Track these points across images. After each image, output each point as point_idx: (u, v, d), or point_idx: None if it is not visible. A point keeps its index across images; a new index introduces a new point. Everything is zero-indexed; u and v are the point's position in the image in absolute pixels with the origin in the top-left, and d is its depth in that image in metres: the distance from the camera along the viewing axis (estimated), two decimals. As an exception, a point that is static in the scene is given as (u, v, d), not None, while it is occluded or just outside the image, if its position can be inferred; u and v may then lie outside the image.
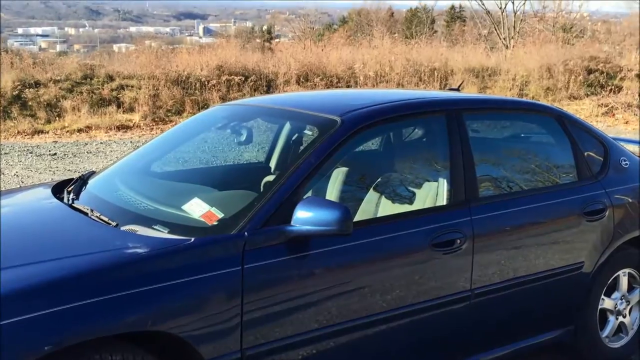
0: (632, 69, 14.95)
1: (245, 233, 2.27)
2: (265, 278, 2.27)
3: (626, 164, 3.38)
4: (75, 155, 8.75)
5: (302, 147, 3.10)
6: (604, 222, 3.15)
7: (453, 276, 2.72)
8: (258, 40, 30.35)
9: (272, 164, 3.46)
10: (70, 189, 2.89)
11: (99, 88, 12.01)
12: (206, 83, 12.53)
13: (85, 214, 2.56)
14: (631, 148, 3.82)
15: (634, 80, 14.52)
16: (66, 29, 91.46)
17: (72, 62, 13.00)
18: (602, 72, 14.77)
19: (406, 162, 3.26)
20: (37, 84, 11.65)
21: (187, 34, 76.99)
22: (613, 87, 14.30)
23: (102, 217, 2.49)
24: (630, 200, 3.30)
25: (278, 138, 3.50)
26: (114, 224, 2.43)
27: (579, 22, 25.44)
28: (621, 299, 3.32)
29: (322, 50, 15.90)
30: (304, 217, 2.28)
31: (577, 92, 14.13)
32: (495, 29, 24.97)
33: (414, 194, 2.91)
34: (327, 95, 4.11)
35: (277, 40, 30.83)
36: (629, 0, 23.89)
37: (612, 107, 13.24)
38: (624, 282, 3.33)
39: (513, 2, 24.87)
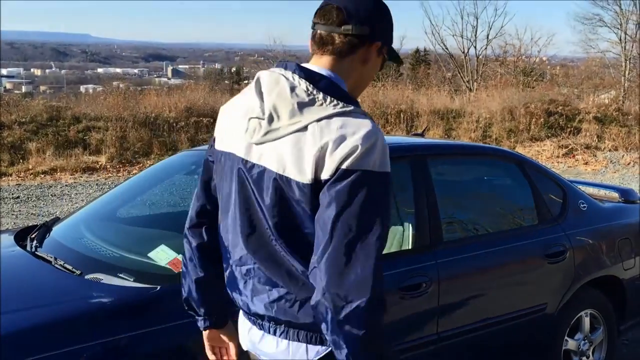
0: (590, 112, 15.50)
1: (212, 280, 2.26)
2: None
3: (584, 207, 3.48)
4: (39, 199, 8.60)
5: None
6: (565, 263, 3.23)
7: (420, 320, 2.74)
8: (227, 82, 30.62)
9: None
10: (33, 236, 2.85)
11: (65, 130, 11.90)
12: (174, 125, 12.53)
13: (49, 262, 2.53)
14: (597, 193, 3.95)
15: (592, 123, 15.04)
16: (32, 69, 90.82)
17: (37, 103, 12.88)
18: (561, 115, 15.26)
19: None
20: (1, 126, 11.48)
21: (155, 75, 77.24)
22: (572, 129, 14.78)
23: (65, 265, 2.46)
24: (590, 242, 3.39)
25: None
26: (78, 272, 2.40)
27: (538, 66, 26.37)
28: (584, 340, 3.38)
29: (291, 92, 16.08)
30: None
31: (538, 134, 14.54)
32: (459, 72, 25.71)
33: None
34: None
35: (246, 82, 31.13)
36: (585, 45, 24.88)
37: (572, 148, 13.65)
38: (586, 322, 3.39)
39: (475, 47, 25.74)
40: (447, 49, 26.45)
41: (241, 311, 1.66)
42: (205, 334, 1.79)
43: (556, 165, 12.37)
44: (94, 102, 14.35)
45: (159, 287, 2.22)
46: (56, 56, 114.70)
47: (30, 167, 10.61)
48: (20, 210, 7.84)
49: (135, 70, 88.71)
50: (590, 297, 3.40)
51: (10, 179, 10.19)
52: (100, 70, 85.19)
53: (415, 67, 35.28)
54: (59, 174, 10.49)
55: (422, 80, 25.05)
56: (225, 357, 1.80)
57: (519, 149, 13.00)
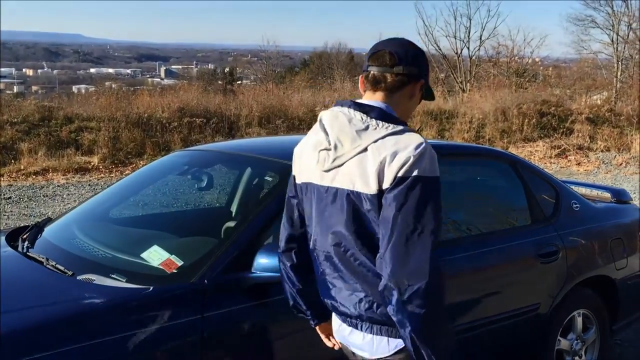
0: (582, 112, 15.56)
1: (205, 281, 2.26)
2: (225, 326, 2.26)
3: (577, 207, 3.50)
4: (31, 199, 8.55)
5: (262, 193, 3.12)
6: (558, 263, 3.23)
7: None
8: (220, 83, 30.54)
9: (233, 208, 3.46)
10: (25, 236, 2.83)
11: (57, 130, 11.83)
12: (167, 125, 12.48)
13: (41, 263, 2.51)
14: (590, 193, 3.96)
15: (584, 123, 15.10)
16: (24, 70, 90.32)
17: (29, 103, 12.80)
18: (554, 115, 15.31)
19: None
20: (-7, 126, 11.42)
21: (148, 76, 76.99)
22: (565, 130, 14.84)
23: (57, 266, 2.44)
24: (582, 242, 3.41)
25: (239, 182, 3.51)
26: (69, 273, 2.38)
27: (531, 67, 26.45)
28: (577, 340, 3.39)
29: (284, 92, 16.09)
30: (264, 263, 2.29)
31: (531, 135, 14.58)
32: (452, 73, 25.75)
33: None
34: (287, 141, 4.15)
35: (239, 82, 31.09)
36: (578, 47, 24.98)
37: (565, 149, 13.71)
38: (579, 322, 3.40)
39: (468, 48, 25.79)
40: (440, 49, 26.48)
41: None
42: (317, 329, 2.11)
43: (549, 166, 12.41)
44: (86, 102, 14.28)
45: (151, 288, 2.21)
46: (48, 56, 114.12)
47: (22, 167, 10.55)
48: (12, 211, 7.80)
49: (128, 71, 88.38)
50: (582, 297, 3.41)
51: (2, 179, 10.12)
52: (92, 70, 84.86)
53: (408, 67, 35.22)
54: (51, 174, 10.43)
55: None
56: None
57: (512, 150, 13.04)
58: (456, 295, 2.86)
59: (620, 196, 3.95)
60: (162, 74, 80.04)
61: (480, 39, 25.83)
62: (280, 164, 2.83)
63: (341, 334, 1.93)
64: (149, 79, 61.85)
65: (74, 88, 40.55)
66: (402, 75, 1.80)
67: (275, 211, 2.52)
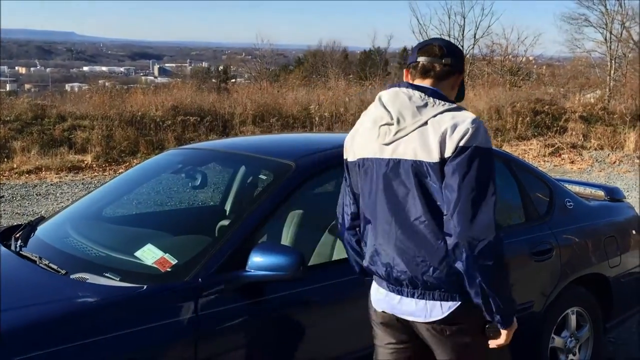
0: (576, 111, 15.61)
1: (200, 279, 2.25)
2: (220, 324, 2.25)
3: (571, 205, 3.50)
4: (24, 198, 8.51)
5: (256, 191, 3.11)
6: (552, 261, 3.24)
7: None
8: (214, 81, 30.48)
9: (227, 207, 3.45)
10: (18, 235, 2.81)
11: (50, 128, 11.78)
12: (161, 123, 12.45)
13: (34, 261, 2.49)
14: (584, 191, 3.97)
15: (577, 122, 15.15)
16: (17, 68, 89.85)
17: (22, 102, 12.74)
18: (547, 114, 15.35)
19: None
20: (-15, 125, 11.35)
21: (142, 74, 76.76)
22: (558, 128, 14.88)
23: (50, 265, 2.43)
24: (576, 240, 3.41)
25: (233, 181, 3.50)
26: (63, 272, 2.37)
27: (525, 65, 26.50)
28: (570, 337, 3.40)
29: (278, 91, 16.07)
30: (258, 262, 2.28)
31: (525, 133, 14.61)
32: (446, 72, 25.71)
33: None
34: (281, 140, 4.16)
35: (233, 80, 31.02)
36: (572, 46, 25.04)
37: (558, 147, 13.75)
38: (572, 320, 3.41)
39: (462, 46, 25.81)
40: (434, 48, 26.44)
41: (375, 281, 2.14)
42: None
43: (542, 164, 12.45)
44: (79, 100, 14.23)
45: (145, 287, 2.20)
46: (41, 54, 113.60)
47: (15, 166, 10.50)
48: (4, 210, 7.76)
49: (122, 69, 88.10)
50: (576, 295, 3.42)
51: (-5, 178, 10.08)
52: (85, 68, 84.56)
53: (402, 66, 35.32)
54: (44, 173, 10.39)
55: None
56: None
57: (506, 148, 13.07)
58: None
59: (613, 194, 3.96)
60: (156, 72, 79.84)
61: (475, 37, 25.88)
62: (275, 162, 2.82)
63: (388, 302, 2.07)
64: (143, 77, 61.69)
65: (67, 86, 40.40)
66: (449, 65, 2.04)
67: (270, 209, 2.52)
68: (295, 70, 32.46)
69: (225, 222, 3.03)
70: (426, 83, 2.04)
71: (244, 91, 15.78)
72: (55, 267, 2.41)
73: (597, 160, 13.11)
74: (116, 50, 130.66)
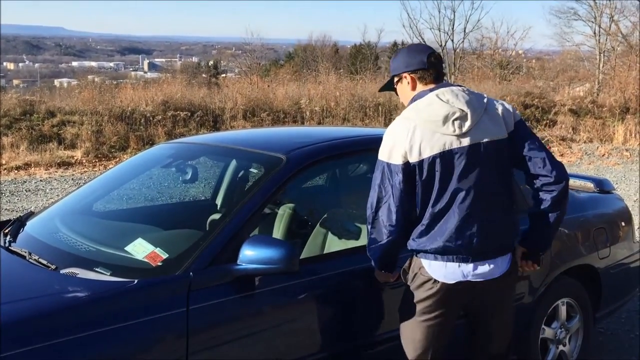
0: (565, 104, 15.68)
1: (191, 273, 2.24)
2: (211, 318, 2.25)
3: (561, 197, 3.51)
4: (13, 194, 8.45)
5: (247, 185, 3.11)
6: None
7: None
8: (204, 76, 30.37)
9: (218, 201, 3.44)
10: (7, 231, 2.79)
11: (39, 124, 11.69)
12: (151, 119, 12.38)
13: (23, 257, 2.48)
14: (573, 183, 3.98)
15: (567, 115, 15.22)
16: (5, 63, 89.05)
17: (10, 97, 12.62)
18: (537, 107, 15.42)
19: (352, 198, 3.30)
20: (-27, 121, 11.25)
21: (131, 69, 76.32)
22: (548, 121, 14.95)
23: (40, 260, 2.41)
24: (566, 232, 3.42)
25: (224, 175, 3.49)
26: (53, 267, 2.35)
27: (514, 59, 26.60)
28: (561, 328, 3.42)
29: (269, 85, 16.02)
30: (250, 255, 2.28)
31: (515, 126, 14.66)
32: (437, 66, 25.75)
33: (360, 229, 2.95)
34: (272, 133, 4.15)
35: (223, 75, 30.91)
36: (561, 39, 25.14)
37: (548, 140, 13.81)
38: (562, 311, 3.43)
39: (452, 40, 25.87)
40: (424, 42, 26.51)
41: (438, 260, 2.33)
42: (387, 275, 2.55)
43: (532, 157, 12.48)
44: (68, 96, 14.13)
45: (136, 281, 2.19)
46: (29, 49, 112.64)
47: (4, 162, 10.42)
48: (-7, 206, 7.70)
49: (111, 64, 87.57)
50: (566, 286, 3.44)
51: (-17, 174, 10.00)
52: (74, 63, 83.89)
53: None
54: (33, 169, 10.31)
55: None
56: None
57: (496, 141, 13.07)
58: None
59: (603, 186, 3.98)
60: (146, 67, 79.39)
61: (465, 31, 25.93)
62: (266, 155, 2.81)
63: (462, 272, 2.33)
64: (132, 73, 61.32)
65: (56, 82, 40.12)
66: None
67: (261, 203, 2.52)
68: (285, 64, 32.40)
69: (216, 216, 3.03)
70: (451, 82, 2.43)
71: (234, 86, 15.71)
72: (45, 262, 2.39)
73: (586, 153, 13.19)
74: (105, 45, 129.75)
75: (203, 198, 3.93)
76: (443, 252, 2.33)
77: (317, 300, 2.54)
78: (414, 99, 2.41)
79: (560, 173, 2.38)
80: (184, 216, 3.49)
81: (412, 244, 2.38)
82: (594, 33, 23.50)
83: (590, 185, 4.06)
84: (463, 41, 26.11)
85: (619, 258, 3.74)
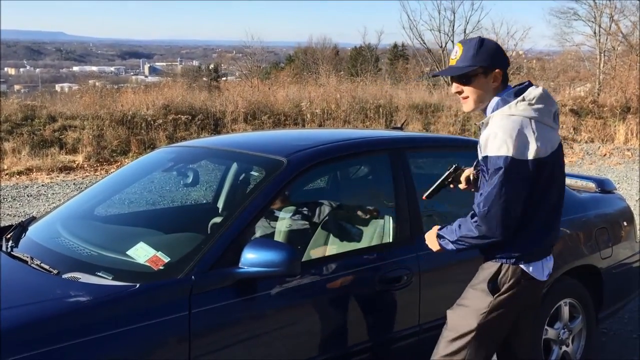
0: (566, 104, 15.67)
1: (193, 277, 2.24)
2: (213, 322, 2.25)
3: (562, 197, 3.51)
4: (15, 199, 8.46)
5: (249, 188, 3.11)
6: (544, 253, 3.24)
7: (402, 312, 2.75)
8: (205, 79, 30.42)
9: (220, 204, 3.45)
10: (9, 236, 2.80)
11: (40, 129, 11.71)
12: (152, 122, 12.40)
13: (25, 262, 2.48)
14: (575, 183, 3.98)
15: (568, 115, 15.21)
16: (6, 69, 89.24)
17: (12, 102, 12.65)
18: (538, 108, 15.38)
19: (353, 200, 3.30)
20: (-25, 126, 11.27)
21: (132, 73, 76.46)
22: (549, 122, 14.91)
23: (42, 265, 2.41)
24: (568, 232, 3.42)
25: (225, 178, 3.49)
26: (55, 271, 2.36)
27: (515, 59, 26.58)
28: (563, 329, 3.42)
29: (269, 88, 16.04)
30: (251, 258, 2.28)
31: (516, 127, 14.64)
32: (437, 67, 25.81)
33: (361, 231, 2.95)
34: (273, 136, 4.14)
35: (224, 78, 30.96)
36: (561, 39, 25.13)
37: (549, 140, 13.80)
38: (565, 312, 3.43)
39: (452, 41, 25.86)
40: (424, 43, 26.57)
41: (536, 261, 2.36)
42: None
43: (534, 158, 12.47)
44: (69, 100, 14.14)
45: (138, 285, 2.19)
46: (30, 55, 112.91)
47: (6, 167, 10.43)
48: (-5, 211, 7.70)
49: (112, 68, 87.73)
50: (569, 286, 3.43)
51: (-15, 179, 10.01)
52: (75, 68, 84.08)
53: (393, 62, 35.36)
54: (35, 174, 10.33)
55: (400, 76, 25.11)
56: None
57: (497, 142, 13.06)
58: (441, 287, 2.87)
59: (604, 186, 3.98)
60: (146, 72, 79.50)
61: (465, 32, 25.94)
62: (266, 158, 2.82)
63: (549, 267, 2.43)
64: (133, 77, 61.45)
65: (57, 87, 40.20)
66: None
67: (262, 206, 2.52)
68: (286, 67, 32.43)
69: (218, 220, 3.02)
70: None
71: (235, 89, 15.73)
72: (47, 267, 2.39)
73: (587, 152, 13.18)
74: (106, 49, 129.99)
75: (204, 201, 3.94)
76: (541, 252, 2.39)
77: (319, 303, 2.54)
78: (503, 95, 2.32)
79: None
80: (186, 220, 3.49)
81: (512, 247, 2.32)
82: (594, 33, 23.52)
83: (591, 185, 4.05)
84: (463, 42, 26.07)
85: (621, 258, 3.74)
